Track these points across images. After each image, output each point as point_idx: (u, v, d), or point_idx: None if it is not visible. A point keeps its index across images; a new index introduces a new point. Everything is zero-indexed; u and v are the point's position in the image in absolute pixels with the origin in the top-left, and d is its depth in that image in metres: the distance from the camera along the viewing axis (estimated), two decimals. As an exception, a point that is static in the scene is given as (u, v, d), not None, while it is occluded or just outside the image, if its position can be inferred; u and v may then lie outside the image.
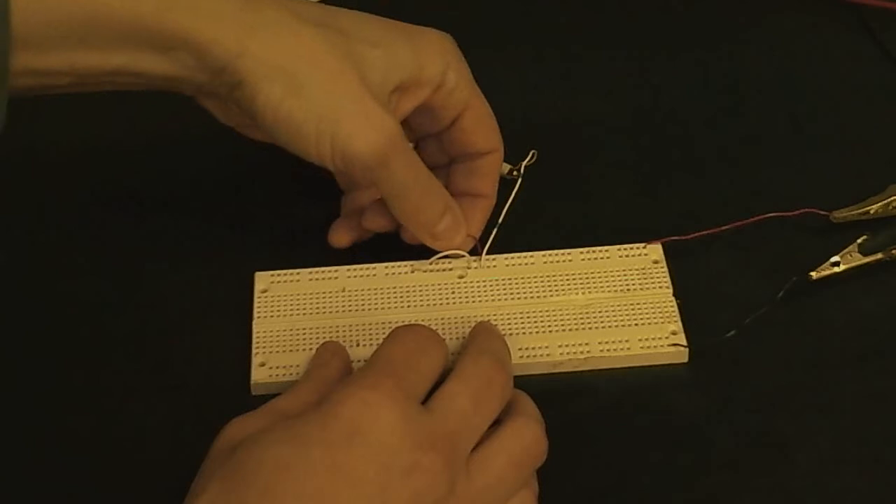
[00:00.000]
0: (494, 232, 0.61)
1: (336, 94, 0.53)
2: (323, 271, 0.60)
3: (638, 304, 0.57)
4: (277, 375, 0.56)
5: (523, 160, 0.64)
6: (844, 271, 0.58)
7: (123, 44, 0.51)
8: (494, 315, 0.57)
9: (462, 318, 0.57)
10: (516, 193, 0.63)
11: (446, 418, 0.46)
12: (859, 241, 0.59)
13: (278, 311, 0.58)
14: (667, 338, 0.56)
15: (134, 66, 0.52)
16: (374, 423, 0.44)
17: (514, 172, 0.64)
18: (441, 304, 0.58)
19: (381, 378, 0.46)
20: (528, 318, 0.57)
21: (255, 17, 0.52)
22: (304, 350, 0.57)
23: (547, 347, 0.56)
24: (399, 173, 0.55)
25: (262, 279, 0.59)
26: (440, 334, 0.50)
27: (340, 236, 0.60)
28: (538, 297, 0.58)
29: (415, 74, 0.56)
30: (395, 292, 0.59)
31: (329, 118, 0.53)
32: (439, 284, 0.59)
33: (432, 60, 0.56)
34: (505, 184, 0.64)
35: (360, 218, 0.60)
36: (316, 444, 0.44)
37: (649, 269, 0.59)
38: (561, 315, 0.57)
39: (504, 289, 0.59)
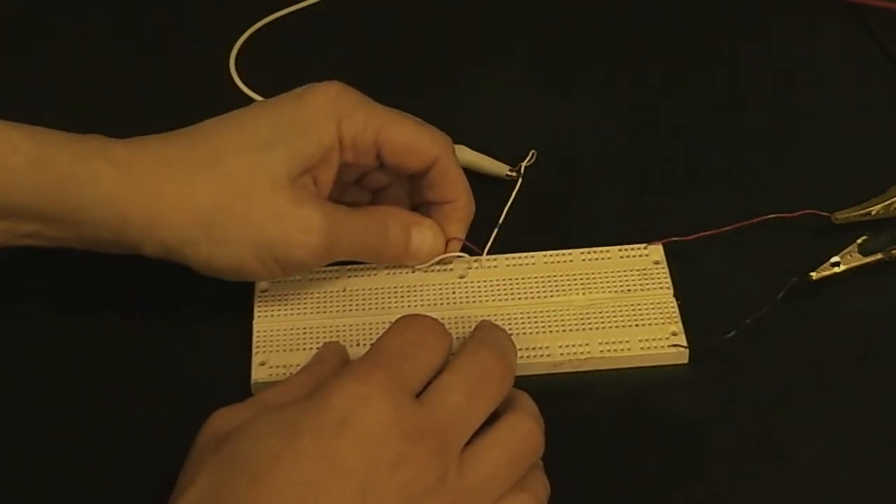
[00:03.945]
0: (495, 232, 0.61)
1: (257, 222, 0.54)
2: (324, 271, 0.60)
3: (638, 304, 0.57)
4: (278, 375, 0.56)
5: (523, 161, 0.64)
6: (844, 271, 0.58)
7: (33, 217, 0.54)
8: (495, 315, 0.57)
9: (463, 318, 0.57)
10: (516, 194, 0.63)
11: (438, 411, 0.46)
12: (859, 241, 0.59)
13: (279, 310, 0.58)
14: (667, 338, 0.56)
15: (48, 234, 0.54)
16: (364, 414, 0.44)
17: (514, 173, 0.64)
18: (442, 304, 0.58)
19: (374, 369, 0.46)
20: (529, 318, 0.57)
21: (157, 187, 0.53)
22: (304, 349, 0.57)
23: (547, 348, 0.56)
24: (346, 246, 0.56)
25: (262, 279, 0.60)
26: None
27: None
28: (539, 297, 0.58)
29: (316, 152, 0.55)
30: (395, 292, 0.59)
31: (262, 246, 0.54)
32: (440, 284, 0.59)
33: (322, 129, 0.56)
34: (505, 184, 0.64)
35: None
36: (306, 434, 0.44)
37: (650, 269, 0.59)
38: (561, 315, 0.57)
39: (505, 289, 0.59)
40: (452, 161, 0.59)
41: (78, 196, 0.53)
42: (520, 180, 0.64)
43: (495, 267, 0.60)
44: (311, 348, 0.56)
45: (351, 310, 0.58)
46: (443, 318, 0.55)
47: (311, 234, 0.54)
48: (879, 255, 0.59)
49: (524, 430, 0.47)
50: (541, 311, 0.58)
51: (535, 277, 0.59)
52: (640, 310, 0.57)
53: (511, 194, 0.63)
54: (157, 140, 0.55)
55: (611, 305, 0.58)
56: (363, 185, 0.60)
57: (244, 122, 0.56)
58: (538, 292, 0.58)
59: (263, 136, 0.55)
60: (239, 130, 0.55)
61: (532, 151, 0.64)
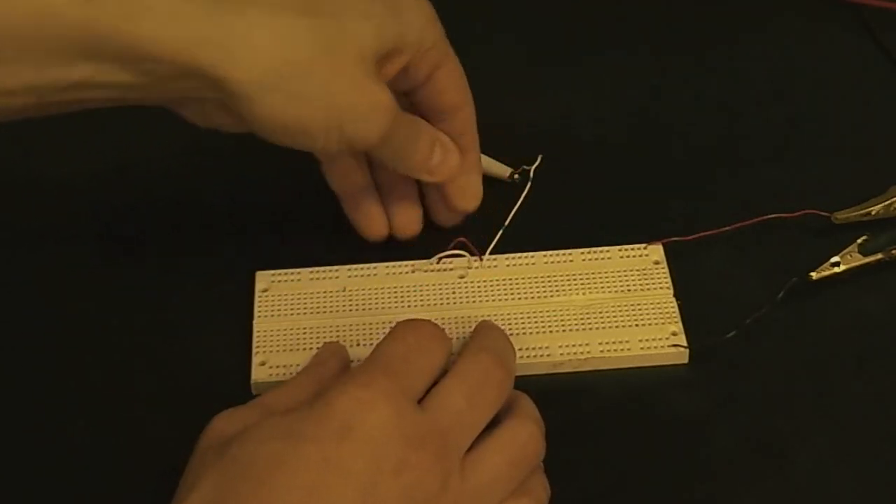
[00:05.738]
0: (499, 234, 0.61)
1: (337, 86, 0.52)
2: (323, 271, 0.60)
3: (638, 304, 0.57)
4: (278, 375, 0.56)
5: (526, 163, 0.64)
6: (845, 272, 0.58)
7: (83, 56, 0.48)
8: (495, 315, 0.57)
9: (463, 318, 0.57)
10: (524, 198, 0.63)
11: (439, 416, 0.46)
12: (859, 241, 0.59)
13: (279, 310, 0.58)
14: (667, 338, 0.56)
15: (99, 79, 0.49)
16: (366, 420, 0.44)
17: (516, 176, 0.64)
18: (442, 304, 0.58)
19: (376, 375, 0.46)
20: (529, 318, 0.57)
21: (238, 21, 0.50)
22: (304, 349, 0.57)
23: (547, 348, 0.56)
24: (396, 142, 0.55)
25: (262, 278, 0.59)
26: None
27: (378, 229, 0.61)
28: (539, 297, 0.58)
29: (399, 42, 0.54)
30: (395, 292, 0.59)
31: (334, 112, 0.52)
32: (440, 284, 0.59)
33: (412, 24, 0.55)
34: (505, 185, 0.63)
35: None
36: (309, 440, 0.44)
37: (650, 269, 0.59)
38: (561, 315, 0.57)
39: (505, 289, 0.59)
40: (472, 115, 0.59)
41: (137, 28, 0.48)
42: (528, 184, 0.63)
43: (495, 267, 0.60)
44: (311, 348, 0.56)
45: (351, 310, 0.58)
46: (443, 319, 0.56)
47: (383, 112, 0.53)
48: (879, 255, 0.59)
49: (525, 435, 0.47)
50: (541, 311, 0.58)
51: (535, 277, 0.59)
52: (640, 310, 0.57)
53: (518, 196, 0.62)
54: None
55: (611, 305, 0.58)
56: None
57: None
58: (538, 292, 0.58)
59: (359, 5, 0.53)
60: None
61: (540, 156, 0.64)
